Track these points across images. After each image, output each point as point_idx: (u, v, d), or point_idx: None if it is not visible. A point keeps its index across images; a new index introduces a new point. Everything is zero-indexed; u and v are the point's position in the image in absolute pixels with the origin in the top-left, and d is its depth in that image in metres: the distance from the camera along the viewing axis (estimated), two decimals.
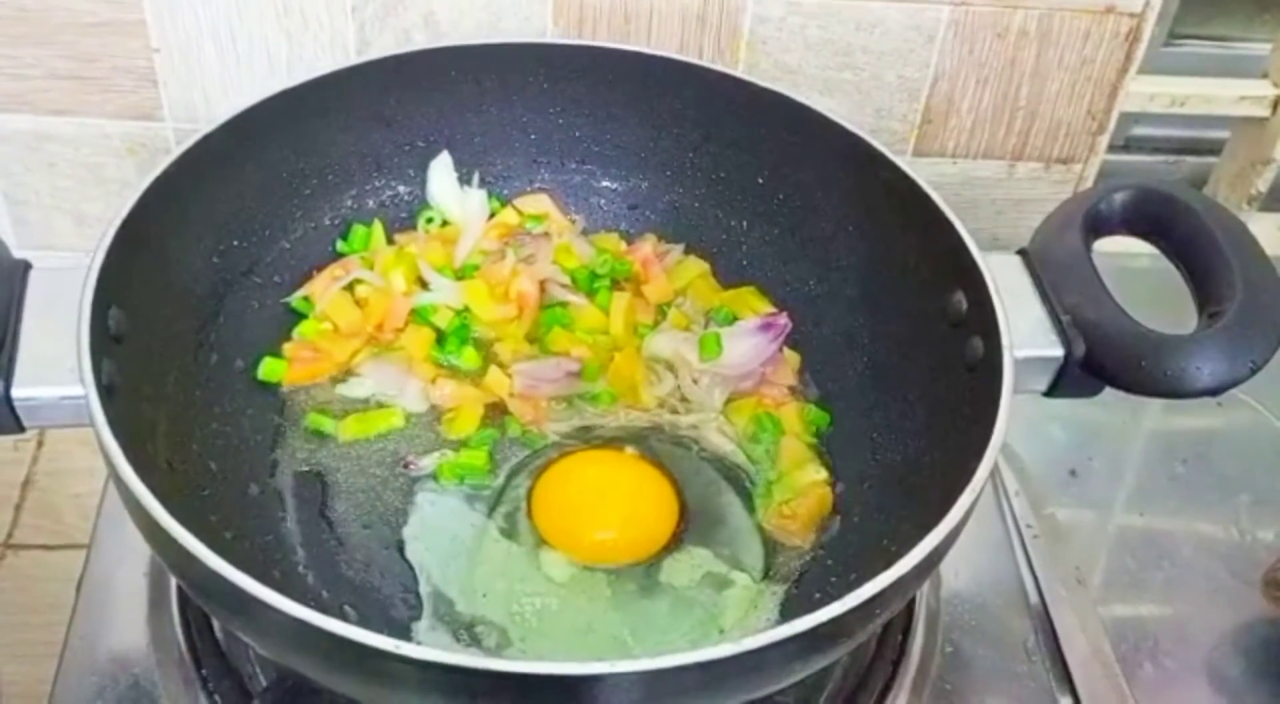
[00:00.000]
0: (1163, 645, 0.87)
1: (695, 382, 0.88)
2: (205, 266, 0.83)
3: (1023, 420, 0.70)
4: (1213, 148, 1.27)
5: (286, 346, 0.87)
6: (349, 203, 0.93)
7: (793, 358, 0.90)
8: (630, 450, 0.85)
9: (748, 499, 0.83)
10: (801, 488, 0.82)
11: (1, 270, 0.72)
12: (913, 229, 0.82)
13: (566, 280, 0.93)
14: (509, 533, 0.80)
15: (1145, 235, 0.80)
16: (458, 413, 0.86)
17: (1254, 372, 0.72)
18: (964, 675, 0.82)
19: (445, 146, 0.95)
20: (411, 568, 0.78)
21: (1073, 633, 0.84)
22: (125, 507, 0.64)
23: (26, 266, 0.73)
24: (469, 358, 0.88)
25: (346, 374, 0.87)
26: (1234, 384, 0.73)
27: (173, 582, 0.81)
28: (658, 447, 0.85)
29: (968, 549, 0.74)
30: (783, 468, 0.84)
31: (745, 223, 0.95)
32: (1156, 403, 0.98)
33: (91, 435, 0.64)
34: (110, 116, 1.06)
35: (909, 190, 0.82)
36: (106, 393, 0.65)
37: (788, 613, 0.77)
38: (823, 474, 0.83)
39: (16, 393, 0.67)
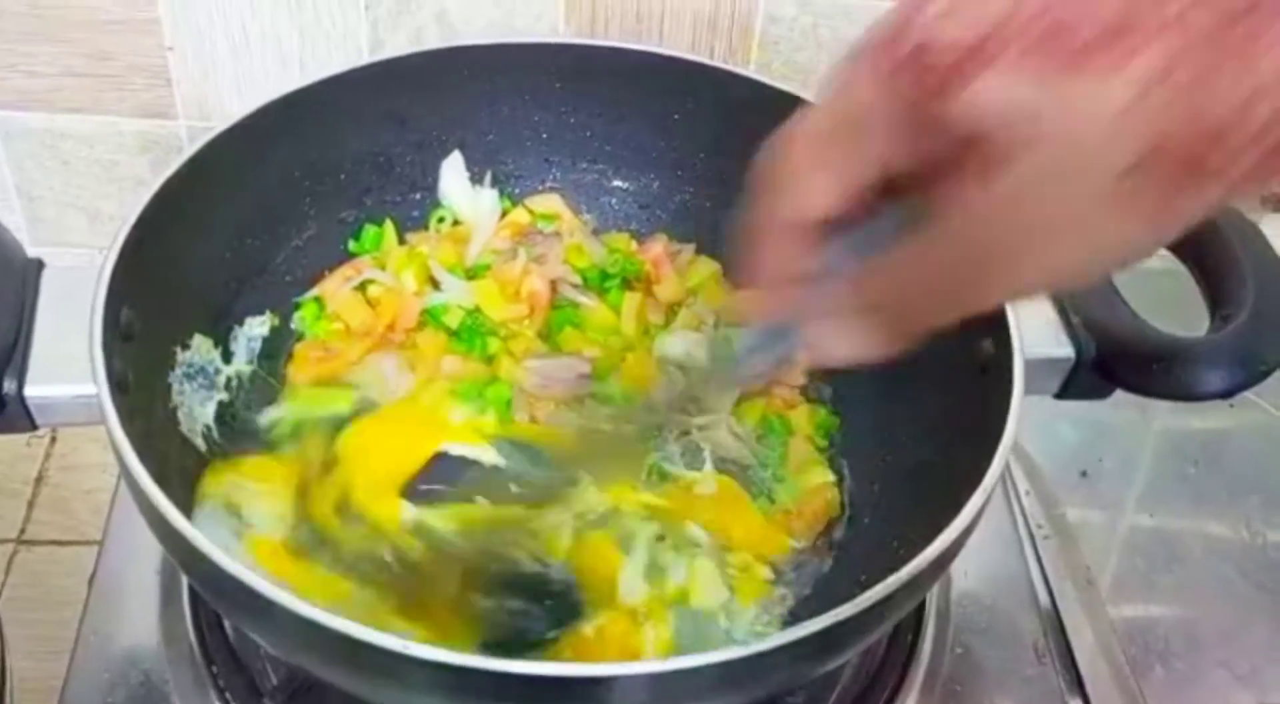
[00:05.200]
0: (1173, 647, 0.86)
1: (706, 382, 0.88)
2: (217, 265, 0.84)
3: (1033, 420, 0.70)
4: None
5: (298, 347, 0.87)
6: (361, 202, 0.93)
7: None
8: None
9: (755, 500, 0.83)
10: (808, 489, 0.82)
11: (15, 270, 0.72)
12: None
13: (578, 280, 0.92)
14: None
15: None
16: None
17: (1266, 375, 0.72)
18: (974, 676, 0.82)
19: (457, 146, 0.94)
20: None
21: (1083, 634, 0.84)
22: (136, 504, 0.64)
23: (40, 265, 0.73)
24: (489, 346, 0.88)
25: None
26: (1246, 387, 0.72)
27: (184, 579, 0.81)
28: None
29: (978, 550, 0.74)
30: (790, 469, 0.84)
31: None
32: (1167, 404, 0.98)
33: (103, 432, 0.64)
34: (124, 114, 1.07)
35: None
36: (119, 391, 0.65)
37: (798, 615, 0.77)
38: (829, 476, 0.83)
39: (30, 391, 0.67)
